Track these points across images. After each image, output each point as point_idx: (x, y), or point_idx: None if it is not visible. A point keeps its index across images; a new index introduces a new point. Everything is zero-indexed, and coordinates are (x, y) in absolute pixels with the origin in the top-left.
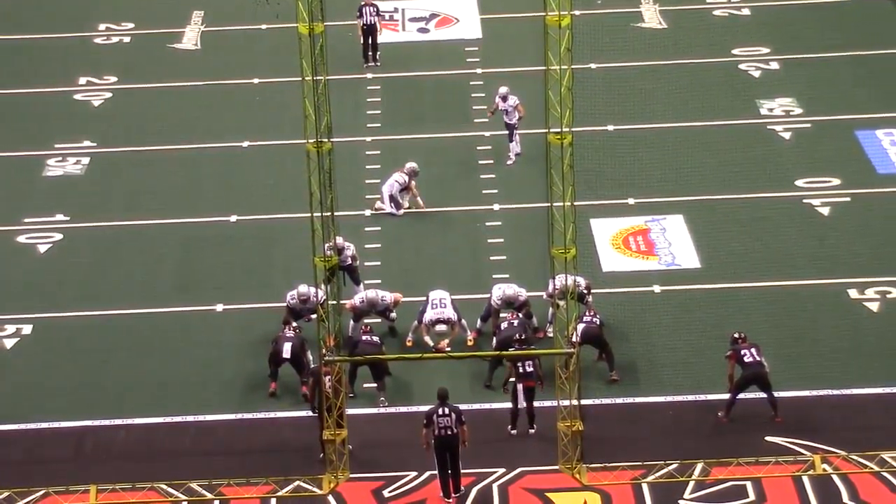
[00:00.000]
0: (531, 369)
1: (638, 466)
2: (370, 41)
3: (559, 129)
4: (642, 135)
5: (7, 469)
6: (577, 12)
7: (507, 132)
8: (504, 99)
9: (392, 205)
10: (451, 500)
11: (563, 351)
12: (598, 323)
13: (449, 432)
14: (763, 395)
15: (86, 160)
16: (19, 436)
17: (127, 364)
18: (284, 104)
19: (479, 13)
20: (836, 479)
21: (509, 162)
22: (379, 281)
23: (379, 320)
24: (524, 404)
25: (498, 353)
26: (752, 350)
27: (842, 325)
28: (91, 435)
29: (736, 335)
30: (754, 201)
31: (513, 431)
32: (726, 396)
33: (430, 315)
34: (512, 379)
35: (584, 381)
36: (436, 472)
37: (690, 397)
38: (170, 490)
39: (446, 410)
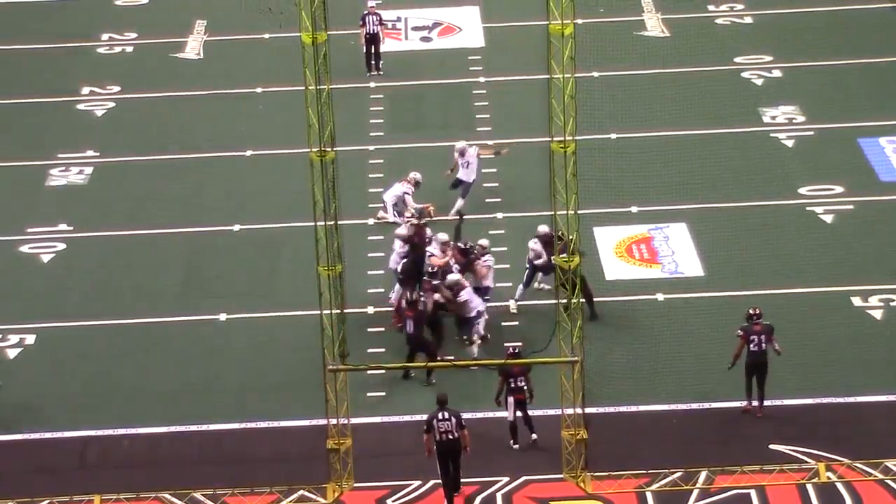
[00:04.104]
0: (522, 384)
1: (642, 475)
2: (373, 50)
3: (562, 138)
4: (645, 143)
5: (11, 478)
6: (579, 21)
7: (460, 184)
8: (462, 154)
9: (394, 213)
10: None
11: (567, 359)
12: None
13: (450, 436)
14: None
15: (89, 170)
16: (23, 445)
17: (131, 373)
18: (287, 113)
19: (481, 22)
20: (840, 487)
21: (452, 213)
22: (382, 289)
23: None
24: (512, 417)
25: (502, 361)
26: (762, 337)
27: (845, 332)
28: (95, 444)
29: (751, 311)
30: (757, 209)
31: (515, 446)
32: (730, 404)
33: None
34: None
35: (588, 389)
36: (439, 480)
37: (694, 405)
38: (173, 499)
39: (446, 415)
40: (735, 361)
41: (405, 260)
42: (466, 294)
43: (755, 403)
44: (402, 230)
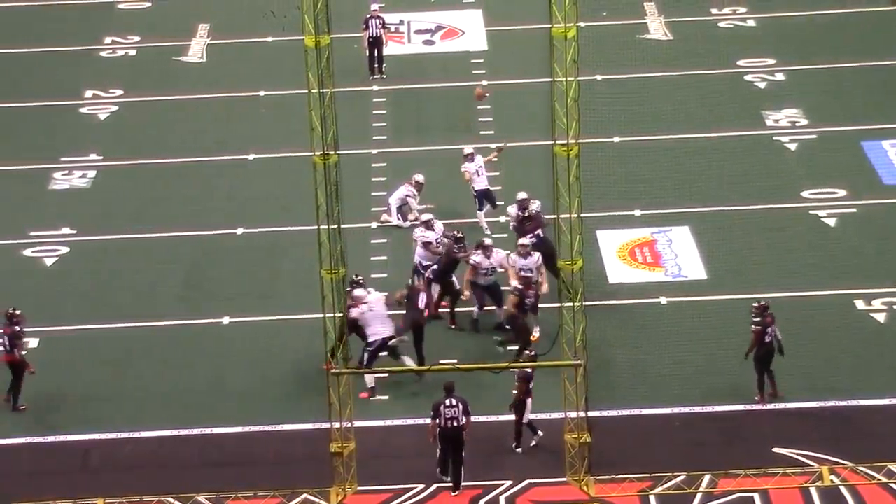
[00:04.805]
0: (532, 384)
1: (645, 478)
2: (376, 53)
3: (565, 141)
4: (648, 146)
5: (14, 481)
6: (582, 24)
7: (478, 195)
8: (472, 159)
9: (398, 216)
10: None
11: (570, 362)
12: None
13: (455, 423)
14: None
15: (92, 173)
16: (26, 448)
17: (134, 377)
18: (290, 116)
19: (484, 25)
20: (843, 490)
21: (487, 231)
22: (386, 293)
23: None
24: (527, 419)
25: (506, 365)
26: (772, 327)
27: (849, 335)
28: (98, 447)
29: (763, 304)
30: (760, 212)
31: (518, 449)
32: (733, 407)
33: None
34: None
35: (591, 393)
36: (441, 483)
37: (698, 408)
38: (176, 503)
39: (453, 402)
40: (749, 353)
41: (435, 267)
42: (357, 312)
43: (769, 392)
44: (428, 217)
